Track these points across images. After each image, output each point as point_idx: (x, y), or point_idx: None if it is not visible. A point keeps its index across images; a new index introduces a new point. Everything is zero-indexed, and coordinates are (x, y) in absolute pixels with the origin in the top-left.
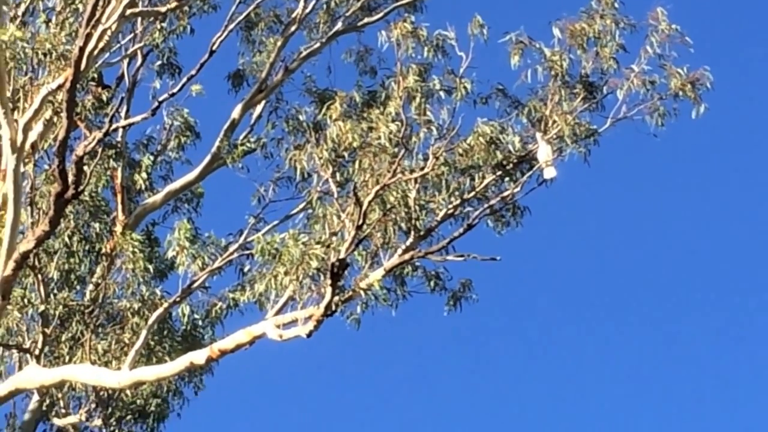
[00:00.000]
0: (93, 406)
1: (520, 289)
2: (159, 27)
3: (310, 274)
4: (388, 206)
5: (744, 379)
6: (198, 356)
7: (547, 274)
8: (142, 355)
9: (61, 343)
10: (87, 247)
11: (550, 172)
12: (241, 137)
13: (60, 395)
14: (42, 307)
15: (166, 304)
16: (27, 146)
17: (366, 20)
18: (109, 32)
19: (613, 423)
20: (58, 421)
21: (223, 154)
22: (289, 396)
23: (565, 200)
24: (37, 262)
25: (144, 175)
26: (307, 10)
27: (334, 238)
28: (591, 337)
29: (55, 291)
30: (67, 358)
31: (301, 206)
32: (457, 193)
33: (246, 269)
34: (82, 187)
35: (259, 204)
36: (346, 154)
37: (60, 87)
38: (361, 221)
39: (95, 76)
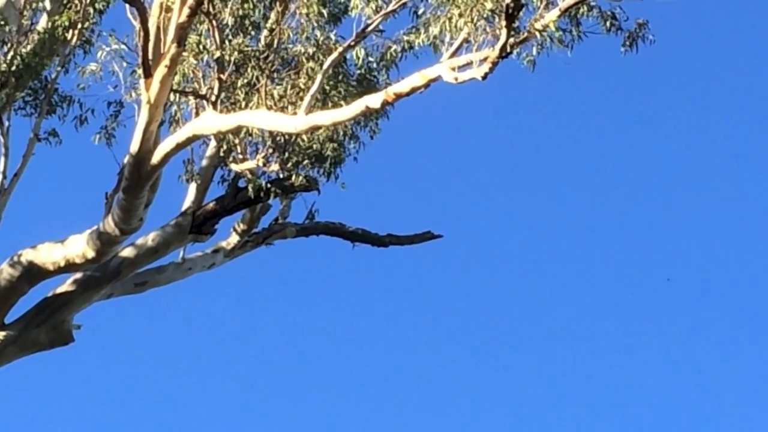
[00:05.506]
0: (270, 151)
1: (696, 31)
2: None
3: (485, 15)
4: None
5: None
6: (373, 100)
7: (725, 16)
8: (317, 99)
9: (237, 89)
10: None
11: None
12: None
13: (237, 141)
14: (217, 54)
15: (340, 48)
16: None
17: None
18: None
19: None
20: (235, 167)
21: None
22: (463, 139)
23: None
24: (211, 8)
25: None
26: None
27: None
28: None
29: (230, 37)
30: (243, 103)
31: None
32: None
33: (420, 12)
34: None
35: None
36: None
37: None
38: None
39: None
